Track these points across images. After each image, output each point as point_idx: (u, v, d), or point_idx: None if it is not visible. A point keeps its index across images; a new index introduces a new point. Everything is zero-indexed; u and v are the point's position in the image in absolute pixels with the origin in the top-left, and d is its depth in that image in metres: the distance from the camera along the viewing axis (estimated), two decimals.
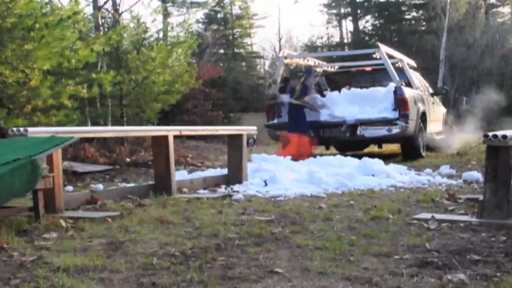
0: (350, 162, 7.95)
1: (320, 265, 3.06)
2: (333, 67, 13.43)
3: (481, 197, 4.50)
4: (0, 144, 4.66)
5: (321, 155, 9.73)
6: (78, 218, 4.48)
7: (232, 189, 6.62)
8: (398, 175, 7.41)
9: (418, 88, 11.33)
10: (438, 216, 4.37)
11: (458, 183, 6.95)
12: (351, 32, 37.90)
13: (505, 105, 19.66)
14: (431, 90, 12.90)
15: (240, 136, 7.25)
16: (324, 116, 10.30)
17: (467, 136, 13.70)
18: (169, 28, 13.43)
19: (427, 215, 4.41)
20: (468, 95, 23.42)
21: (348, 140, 10.55)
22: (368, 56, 13.30)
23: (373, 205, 5.11)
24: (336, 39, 39.02)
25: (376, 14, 35.71)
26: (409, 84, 10.95)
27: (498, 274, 2.88)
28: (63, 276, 2.87)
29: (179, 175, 7.25)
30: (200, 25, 34.23)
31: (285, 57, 11.95)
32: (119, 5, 13.24)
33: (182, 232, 4.02)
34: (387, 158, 8.30)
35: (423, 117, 10.80)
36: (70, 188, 6.75)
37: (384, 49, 10.81)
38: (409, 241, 3.63)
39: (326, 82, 12.44)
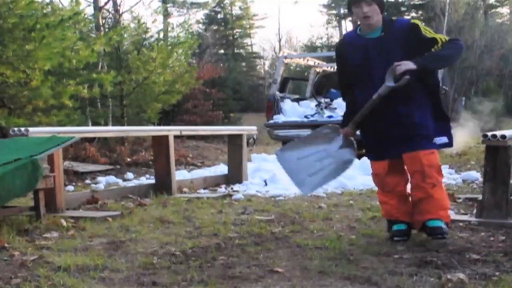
0: None
1: (319, 265, 3.08)
2: (333, 67, 13.45)
3: (480, 196, 4.52)
4: (1, 144, 4.68)
5: None
6: (79, 217, 4.50)
7: (232, 188, 6.64)
8: None
9: None
10: None
11: (457, 182, 6.97)
12: None
13: (504, 105, 19.71)
14: None
15: (240, 136, 7.26)
16: (324, 117, 10.30)
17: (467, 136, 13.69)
18: (169, 29, 13.45)
19: None
20: (467, 95, 23.43)
21: None
22: None
23: (372, 205, 5.13)
24: (336, 39, 39.00)
25: None
26: None
27: (497, 273, 2.89)
28: (64, 276, 2.89)
29: (180, 175, 7.27)
30: (200, 25, 34.25)
31: (285, 57, 11.96)
32: (119, 5, 13.27)
33: (182, 232, 4.04)
34: None
35: None
36: (71, 187, 6.76)
37: None
38: (408, 240, 3.65)
39: (326, 82, 12.45)
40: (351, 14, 3.90)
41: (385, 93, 3.47)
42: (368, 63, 3.58)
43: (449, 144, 3.65)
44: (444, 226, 3.56)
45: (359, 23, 3.73)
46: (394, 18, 3.74)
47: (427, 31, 3.56)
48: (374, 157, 3.79)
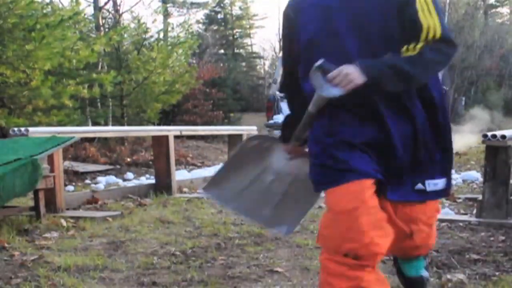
0: None
1: (319, 264, 3.07)
2: None
3: (480, 196, 4.52)
4: (1, 144, 4.68)
5: None
6: (79, 217, 4.50)
7: None
8: None
9: None
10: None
11: (457, 182, 6.96)
12: None
13: (504, 105, 19.73)
14: None
15: (240, 136, 7.27)
16: None
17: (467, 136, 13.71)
18: (169, 29, 13.46)
19: None
20: (467, 95, 23.45)
21: None
22: None
23: None
24: None
25: None
26: None
27: (497, 273, 2.90)
28: (64, 275, 2.89)
29: (180, 175, 7.27)
30: (200, 25, 34.27)
31: None
32: (119, 5, 13.28)
33: (182, 232, 4.04)
34: None
35: None
36: (71, 187, 6.76)
37: None
38: None
39: None
40: None
41: (323, 104, 1.97)
42: (332, 35, 1.97)
43: (446, 191, 2.14)
44: (425, 275, 2.39)
45: None
46: None
47: (425, 8, 1.93)
48: (348, 176, 2.04)
